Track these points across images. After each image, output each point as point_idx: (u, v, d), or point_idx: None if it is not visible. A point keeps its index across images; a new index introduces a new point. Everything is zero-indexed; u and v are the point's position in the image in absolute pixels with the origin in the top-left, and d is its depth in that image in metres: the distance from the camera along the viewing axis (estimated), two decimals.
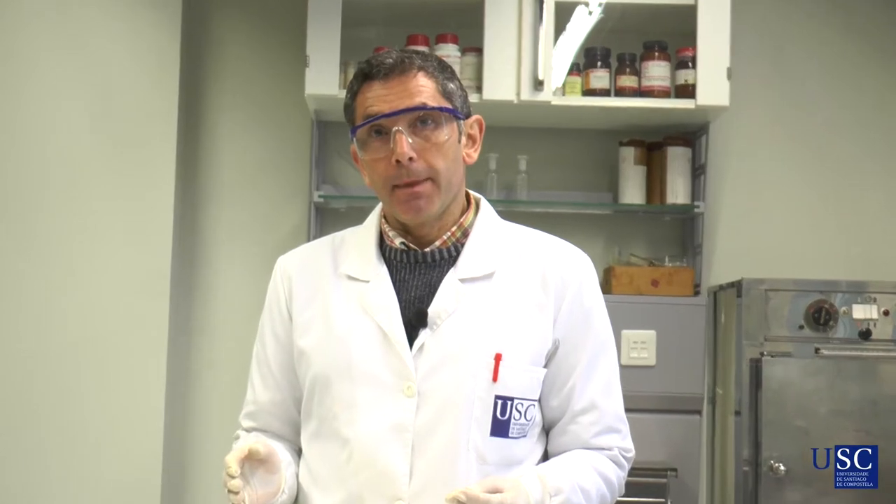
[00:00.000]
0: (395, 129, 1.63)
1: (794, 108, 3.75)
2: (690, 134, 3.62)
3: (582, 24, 3.50)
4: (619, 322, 3.24)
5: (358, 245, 1.77)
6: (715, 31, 3.35)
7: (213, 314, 3.66)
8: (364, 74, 1.67)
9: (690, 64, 3.41)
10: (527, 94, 3.34)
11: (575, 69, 3.48)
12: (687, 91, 3.40)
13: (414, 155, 1.64)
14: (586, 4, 3.44)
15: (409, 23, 3.48)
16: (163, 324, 3.45)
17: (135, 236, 3.47)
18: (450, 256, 1.72)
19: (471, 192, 1.80)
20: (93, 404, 3.42)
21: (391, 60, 1.64)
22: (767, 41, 3.75)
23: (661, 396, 3.38)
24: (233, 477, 1.57)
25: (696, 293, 3.53)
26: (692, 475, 3.39)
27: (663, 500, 3.26)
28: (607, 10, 3.46)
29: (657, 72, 3.43)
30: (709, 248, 3.64)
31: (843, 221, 3.73)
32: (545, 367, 1.72)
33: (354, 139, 1.70)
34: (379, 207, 1.79)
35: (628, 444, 1.77)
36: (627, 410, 1.79)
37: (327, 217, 3.64)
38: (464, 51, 3.42)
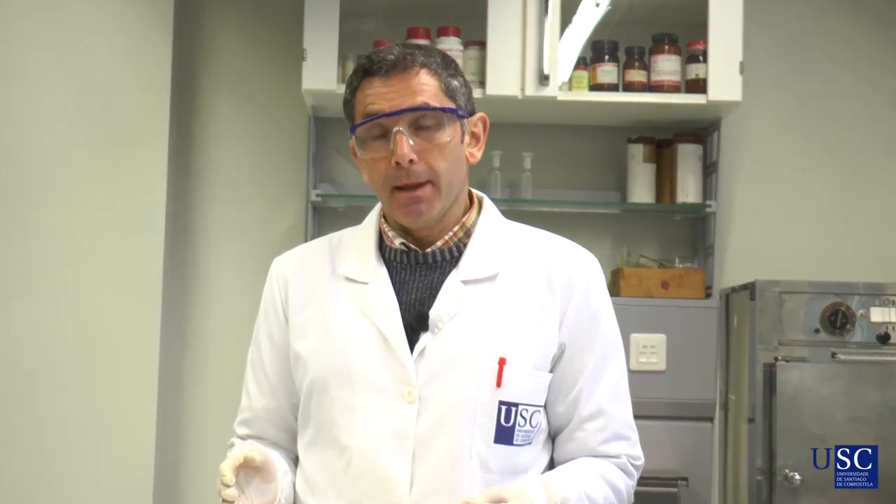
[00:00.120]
0: (395, 129, 1.63)
1: (809, 103, 3.75)
2: (701, 130, 3.62)
3: (589, 16, 3.51)
4: (628, 325, 3.27)
5: (356, 246, 1.77)
6: (727, 24, 3.36)
7: (207, 317, 3.67)
8: (364, 70, 1.67)
9: (701, 58, 3.41)
10: (531, 90, 3.34)
11: (581, 63, 3.49)
12: (698, 86, 3.41)
13: (414, 157, 1.64)
14: None
15: (409, 15, 3.49)
16: (154, 327, 3.46)
17: (125, 236, 3.48)
18: (451, 257, 1.73)
19: (473, 190, 1.80)
20: (82, 409, 3.43)
21: (392, 57, 1.64)
22: (781, 34, 3.75)
23: (671, 403, 3.38)
24: (227, 486, 1.57)
25: (708, 295, 3.53)
26: (704, 484, 3.39)
27: None
28: (615, 1, 3.47)
29: (667, 66, 3.44)
30: (721, 249, 3.64)
31: (860, 221, 3.73)
32: (551, 371, 1.72)
33: (353, 137, 1.70)
34: (378, 207, 1.79)
35: (637, 451, 1.77)
36: (636, 417, 1.79)
37: (325, 217, 3.64)
38: (466, 44, 3.42)
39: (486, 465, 1.65)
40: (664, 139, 3.61)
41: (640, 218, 3.70)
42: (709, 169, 3.60)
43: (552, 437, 1.76)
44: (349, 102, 1.70)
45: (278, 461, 1.72)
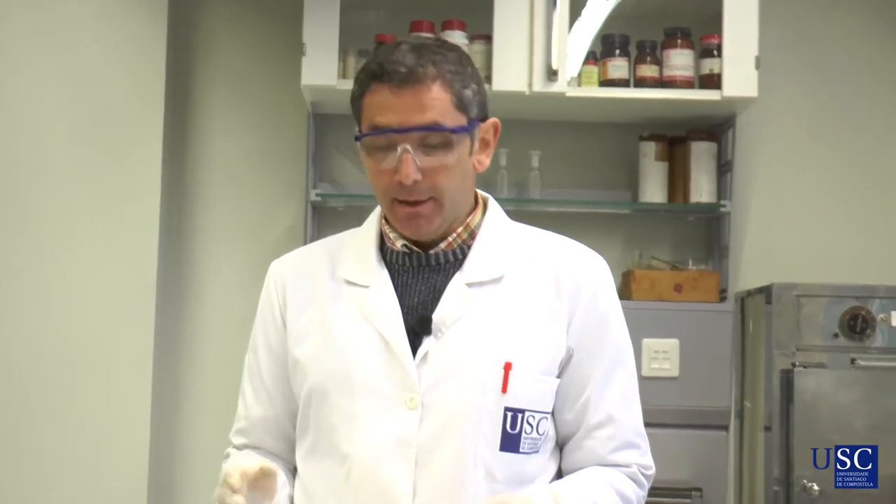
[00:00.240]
0: (401, 147, 1.63)
1: (828, 99, 3.75)
2: (716, 127, 3.62)
3: (599, 9, 3.51)
4: (640, 330, 3.28)
5: (357, 248, 1.78)
6: (742, 17, 3.36)
7: (202, 322, 3.67)
8: (374, 74, 1.64)
9: (716, 52, 3.41)
10: (539, 85, 3.34)
11: (591, 58, 3.49)
12: (712, 81, 3.41)
13: (419, 177, 1.64)
14: None
15: (412, 7, 3.49)
16: (148, 330, 3.47)
17: (118, 237, 3.48)
18: (455, 259, 1.73)
19: (478, 191, 1.80)
20: (75, 414, 3.45)
21: (405, 69, 1.61)
22: (798, 27, 3.75)
23: (684, 410, 3.38)
24: (234, 491, 1.56)
25: (723, 299, 3.53)
26: (718, 495, 3.39)
27: None
28: None
29: (680, 60, 3.44)
30: (736, 251, 3.64)
31: (880, 221, 3.73)
32: (558, 377, 1.72)
33: (358, 141, 1.69)
34: (379, 208, 1.79)
35: (648, 460, 1.77)
36: (648, 425, 1.79)
37: (325, 217, 3.65)
38: (472, 38, 3.42)
39: (492, 474, 1.65)
40: (677, 136, 3.61)
41: (651, 218, 3.70)
42: (723, 167, 3.60)
43: (560, 445, 1.77)
44: (356, 101, 1.69)
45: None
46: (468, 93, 1.66)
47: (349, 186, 3.66)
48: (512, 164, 3.57)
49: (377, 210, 1.80)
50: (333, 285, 1.75)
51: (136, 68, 3.52)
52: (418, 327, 1.68)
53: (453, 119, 1.64)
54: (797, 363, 3.22)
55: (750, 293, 3.50)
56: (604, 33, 3.52)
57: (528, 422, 1.68)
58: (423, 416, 1.65)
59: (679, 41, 3.46)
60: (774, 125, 3.73)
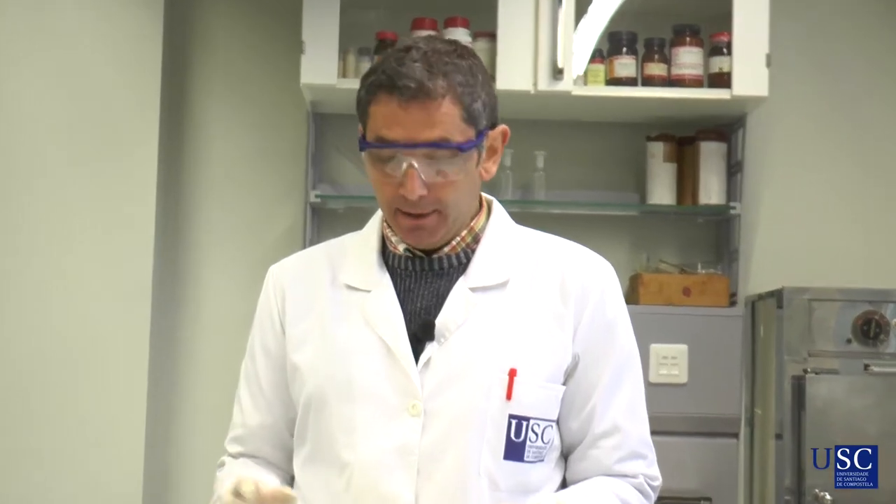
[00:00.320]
0: (406, 163, 1.63)
1: (841, 98, 3.75)
2: (725, 127, 3.62)
3: (605, 5, 3.51)
4: (647, 335, 3.27)
5: (358, 252, 1.78)
6: (752, 14, 3.36)
7: (199, 327, 3.67)
8: (383, 85, 1.63)
9: (725, 50, 3.42)
10: (545, 84, 3.34)
11: (598, 56, 3.49)
12: (721, 80, 3.41)
13: (425, 192, 1.64)
14: None
15: (414, 5, 3.49)
16: (143, 335, 3.47)
17: (113, 239, 3.49)
18: (459, 263, 1.73)
19: (482, 193, 1.80)
20: (69, 418, 3.45)
21: (414, 84, 1.60)
22: (810, 24, 3.75)
23: (693, 418, 3.38)
24: (244, 499, 1.56)
25: (732, 303, 3.53)
26: None
27: None
28: None
29: (689, 59, 3.44)
30: (746, 254, 3.64)
31: (895, 224, 3.73)
32: (564, 384, 1.72)
33: (362, 151, 1.69)
34: (381, 211, 1.79)
35: (654, 471, 1.78)
36: (656, 433, 1.79)
37: (324, 219, 3.65)
38: (475, 36, 3.43)
39: (495, 483, 1.66)
40: (686, 137, 3.61)
41: (660, 221, 3.70)
42: (733, 168, 3.60)
43: (564, 454, 1.77)
44: (363, 106, 1.67)
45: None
46: (478, 106, 1.66)
47: (349, 187, 3.66)
48: (516, 164, 3.57)
49: (378, 213, 1.80)
50: (334, 290, 1.75)
51: (131, 67, 3.52)
52: (421, 333, 1.68)
53: (462, 133, 1.64)
54: (809, 369, 3.22)
55: (760, 297, 3.50)
56: (610, 31, 3.52)
57: (532, 430, 1.68)
58: (425, 423, 1.65)
59: (688, 39, 3.46)
60: (786, 125, 3.73)
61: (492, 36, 3.39)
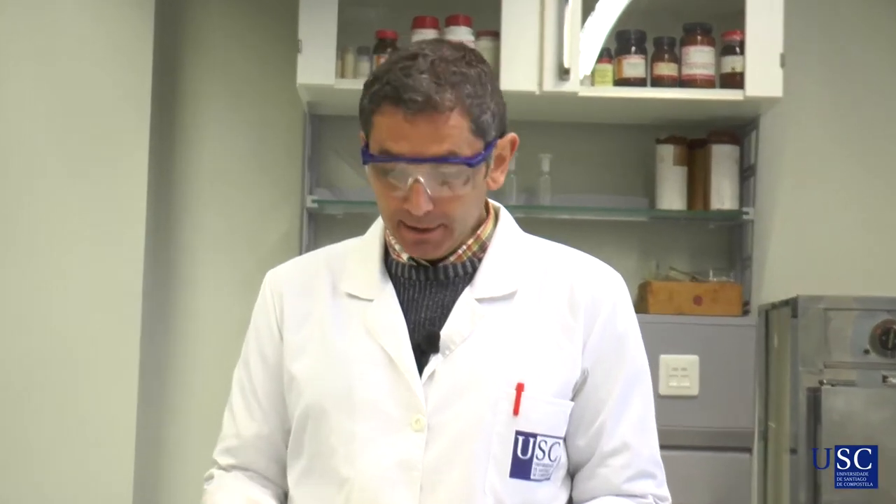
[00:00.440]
0: (412, 178, 1.62)
1: (857, 99, 3.75)
2: (738, 129, 3.63)
3: (614, 3, 3.52)
4: (657, 346, 3.27)
5: (359, 259, 1.77)
6: (766, 12, 3.37)
7: (191, 334, 3.68)
8: (388, 97, 1.61)
9: (738, 49, 3.42)
10: (550, 85, 3.35)
11: (605, 55, 3.50)
12: (734, 80, 3.41)
13: (431, 207, 1.63)
14: None
15: (415, 2, 3.50)
16: (133, 344, 3.47)
17: (101, 247, 3.49)
18: (465, 273, 1.73)
19: (489, 199, 1.79)
20: (57, 429, 3.46)
21: (421, 97, 1.59)
22: (826, 23, 3.76)
23: (704, 431, 3.38)
24: None
25: (745, 312, 3.53)
26: None
27: None
28: None
29: (700, 58, 3.44)
30: (759, 261, 3.64)
31: None
32: (572, 400, 1.72)
33: (365, 164, 1.68)
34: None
35: (664, 491, 1.77)
36: (665, 447, 1.79)
37: (322, 225, 3.65)
38: (478, 35, 3.43)
39: (501, 502, 1.65)
40: (697, 139, 3.61)
41: (670, 226, 3.70)
42: (746, 172, 3.60)
43: (571, 473, 1.76)
44: (366, 115, 1.66)
45: None
46: (487, 117, 1.64)
47: (348, 192, 3.66)
48: (521, 168, 3.57)
49: (380, 219, 1.79)
50: (334, 298, 1.75)
51: (120, 67, 3.52)
52: (425, 344, 1.68)
53: (470, 146, 1.63)
54: (825, 381, 3.22)
55: (774, 306, 3.50)
56: (619, 29, 3.52)
57: (539, 447, 1.68)
58: (429, 438, 1.65)
59: (699, 37, 3.46)
60: (800, 127, 3.73)
61: (495, 35, 3.39)
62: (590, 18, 3.48)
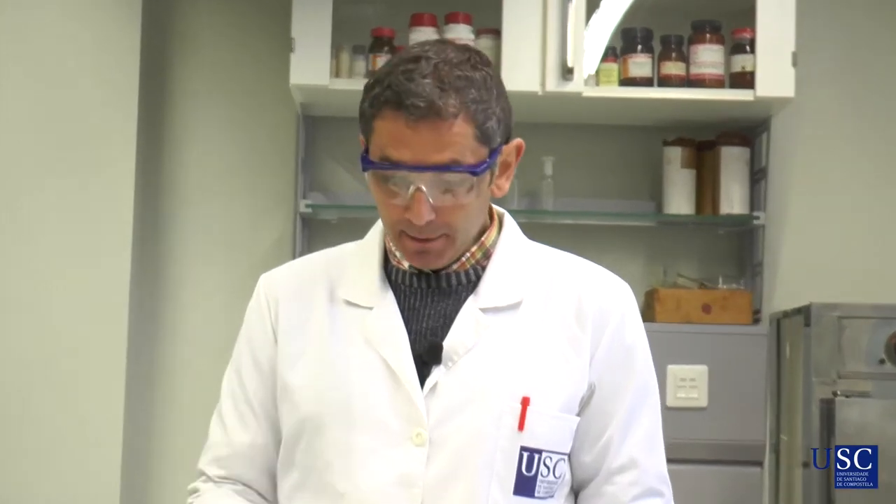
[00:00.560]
0: (413, 187, 1.61)
1: (871, 99, 3.76)
2: (748, 131, 3.63)
3: (619, 0, 3.52)
4: (664, 356, 3.28)
5: (358, 265, 1.77)
6: (778, 9, 3.37)
7: (180, 343, 3.68)
8: (389, 101, 1.61)
9: (748, 48, 3.43)
10: (553, 85, 3.35)
11: (610, 54, 3.50)
12: (744, 80, 3.42)
13: (433, 217, 1.63)
14: None
15: None
16: (120, 352, 3.48)
17: (87, 251, 3.50)
18: (468, 281, 1.72)
19: (493, 205, 1.79)
20: (42, 440, 3.46)
21: (424, 103, 1.58)
22: (839, 20, 3.76)
23: (714, 444, 3.38)
24: None
25: (756, 321, 3.53)
26: None
27: None
28: None
29: (709, 57, 3.45)
30: (770, 267, 3.65)
31: None
32: (578, 414, 1.72)
33: (365, 171, 1.68)
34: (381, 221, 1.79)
35: None
36: (674, 461, 1.79)
37: (316, 230, 3.65)
38: (478, 33, 3.43)
39: None
40: (705, 141, 3.62)
41: (677, 232, 3.71)
42: (756, 175, 3.61)
43: (575, 490, 1.76)
44: (366, 120, 1.65)
45: None
46: (492, 123, 1.64)
47: (343, 196, 3.66)
48: (523, 171, 3.50)
49: (379, 224, 1.78)
50: (331, 306, 1.74)
51: (106, 67, 3.53)
52: (427, 355, 1.67)
53: (474, 154, 1.62)
54: (839, 392, 3.22)
55: (786, 314, 3.50)
56: (624, 27, 3.53)
57: (544, 463, 1.67)
58: (430, 453, 1.64)
59: (708, 35, 3.47)
60: (813, 128, 3.74)
61: (496, 33, 3.40)
62: (594, 16, 3.49)
